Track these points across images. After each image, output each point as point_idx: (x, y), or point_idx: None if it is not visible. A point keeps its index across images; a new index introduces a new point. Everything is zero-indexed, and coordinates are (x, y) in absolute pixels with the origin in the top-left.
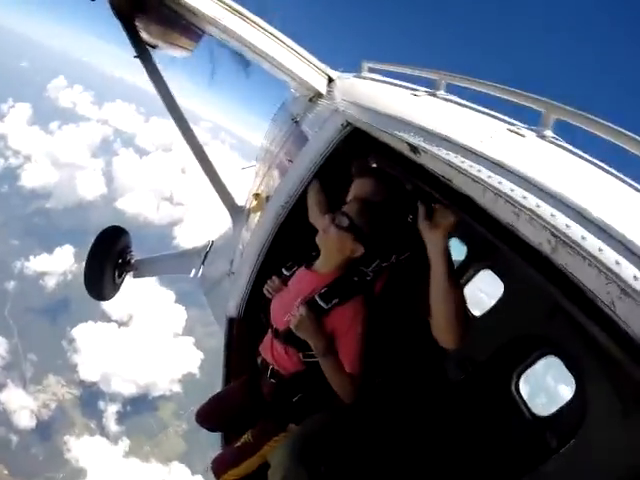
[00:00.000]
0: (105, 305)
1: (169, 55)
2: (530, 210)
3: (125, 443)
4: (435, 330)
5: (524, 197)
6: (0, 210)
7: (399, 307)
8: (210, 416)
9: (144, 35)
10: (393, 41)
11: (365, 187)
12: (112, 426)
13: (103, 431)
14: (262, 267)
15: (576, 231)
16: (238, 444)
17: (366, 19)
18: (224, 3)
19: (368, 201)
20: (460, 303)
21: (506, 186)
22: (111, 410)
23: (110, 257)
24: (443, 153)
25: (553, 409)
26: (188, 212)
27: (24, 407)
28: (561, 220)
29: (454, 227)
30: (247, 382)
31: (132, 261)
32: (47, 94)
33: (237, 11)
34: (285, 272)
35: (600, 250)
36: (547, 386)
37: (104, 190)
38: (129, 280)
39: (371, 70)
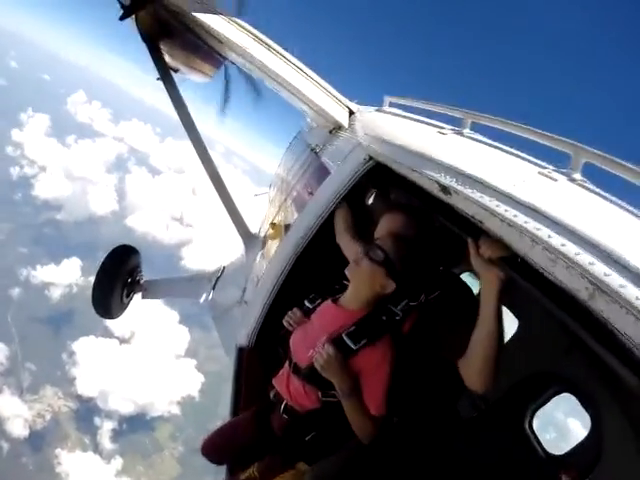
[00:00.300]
0: (108, 321)
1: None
2: (568, 258)
3: (118, 462)
4: (467, 371)
5: (563, 245)
6: (11, 217)
7: (425, 348)
8: (216, 448)
9: (167, 58)
10: (408, 75)
11: (398, 222)
12: (106, 443)
13: (96, 448)
14: (277, 298)
15: (615, 280)
16: (242, 477)
17: (383, 53)
18: (250, 32)
19: (402, 236)
20: (500, 347)
21: (544, 233)
22: (106, 427)
23: (120, 275)
24: (477, 195)
25: (567, 448)
26: (197, 234)
27: (18, 415)
28: (600, 268)
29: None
30: (256, 415)
31: (141, 281)
32: (66, 107)
33: (262, 41)
34: (307, 304)
35: (637, 298)
36: (561, 424)
37: (115, 207)
38: (136, 300)
39: (392, 105)
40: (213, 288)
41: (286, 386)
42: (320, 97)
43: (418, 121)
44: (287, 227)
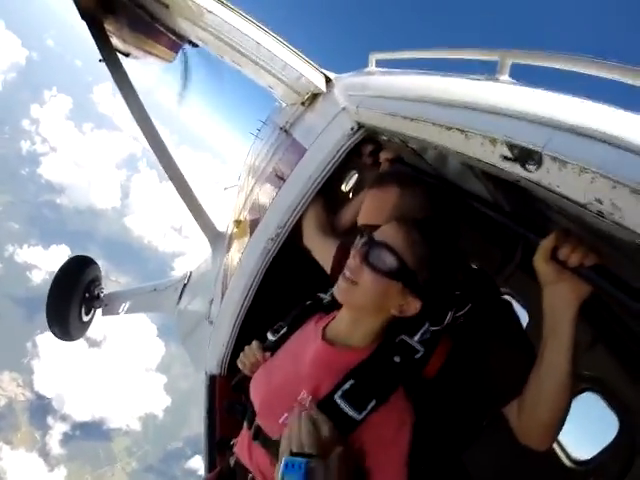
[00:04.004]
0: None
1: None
2: None
3: (62, 472)
4: (524, 423)
5: None
6: (12, 190)
7: (462, 397)
8: None
9: (116, 42)
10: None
11: (406, 197)
12: (55, 446)
13: (43, 449)
14: (248, 317)
15: None
16: None
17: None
18: None
19: (413, 221)
20: (572, 395)
21: None
22: (58, 429)
23: (76, 290)
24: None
25: (595, 451)
26: (194, 247)
27: None
28: None
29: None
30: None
31: (101, 295)
32: (91, 96)
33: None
34: (271, 337)
35: None
36: (584, 427)
37: (117, 203)
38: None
39: (380, 65)
40: (179, 299)
41: (248, 455)
42: (289, 62)
43: (424, 74)
44: (254, 225)
